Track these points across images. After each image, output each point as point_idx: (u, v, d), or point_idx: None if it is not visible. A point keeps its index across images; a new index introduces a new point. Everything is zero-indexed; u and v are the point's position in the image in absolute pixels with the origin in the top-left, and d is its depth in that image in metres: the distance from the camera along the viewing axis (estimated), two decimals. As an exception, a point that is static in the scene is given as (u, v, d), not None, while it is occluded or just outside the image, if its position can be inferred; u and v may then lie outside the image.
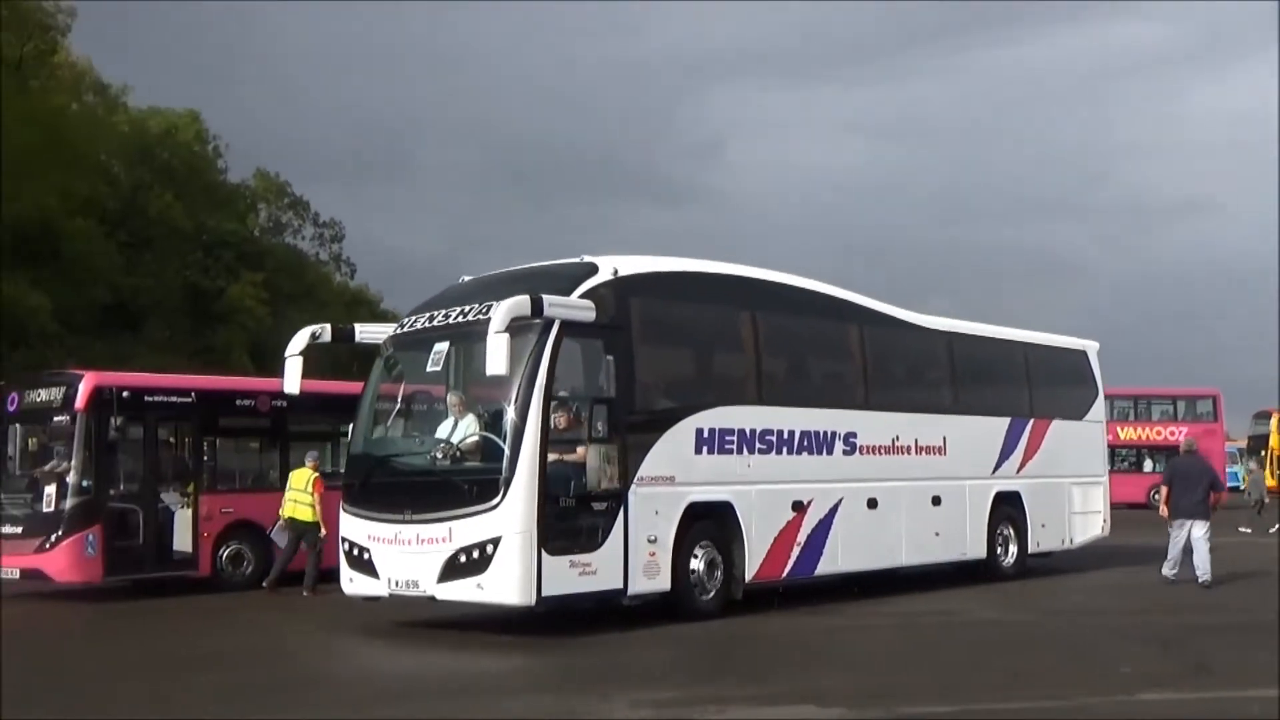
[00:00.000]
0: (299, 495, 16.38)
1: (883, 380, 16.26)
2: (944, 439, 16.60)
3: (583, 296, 12.37)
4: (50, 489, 15.84)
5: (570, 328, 12.16)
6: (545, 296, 11.89)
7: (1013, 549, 17.89)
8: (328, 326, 13.84)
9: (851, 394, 15.68)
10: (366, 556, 12.55)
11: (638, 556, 12.48)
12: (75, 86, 46.82)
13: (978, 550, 17.17)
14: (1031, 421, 18.26)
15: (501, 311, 11.50)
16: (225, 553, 16.99)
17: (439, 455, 12.26)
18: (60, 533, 15.60)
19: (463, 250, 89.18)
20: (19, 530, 16.05)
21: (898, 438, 15.87)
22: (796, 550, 14.33)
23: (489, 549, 11.57)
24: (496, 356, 11.28)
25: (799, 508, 14.36)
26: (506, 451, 11.68)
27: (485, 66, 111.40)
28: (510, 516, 11.55)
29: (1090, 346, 20.21)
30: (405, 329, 13.35)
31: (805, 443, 14.55)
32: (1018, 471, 17.92)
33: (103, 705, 9.31)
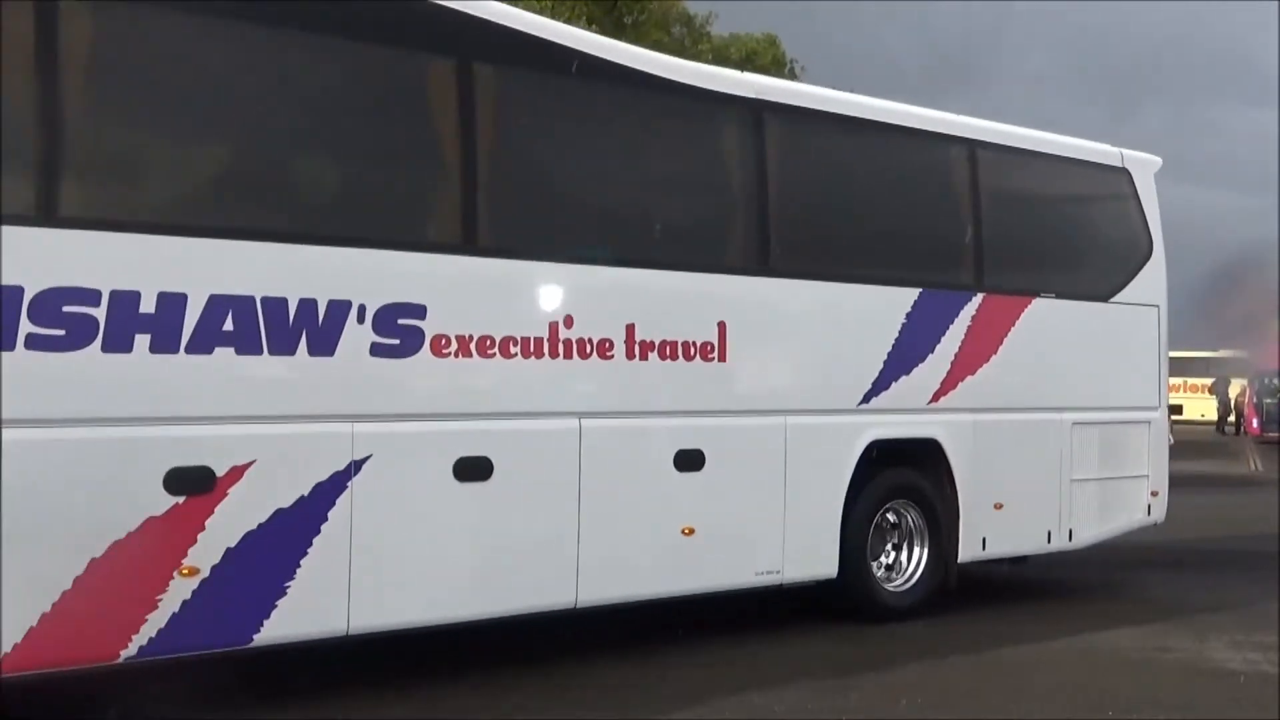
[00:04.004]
0: None
1: (527, 181, 7.22)
2: (720, 328, 7.62)
3: None
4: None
5: None
6: None
7: (917, 556, 8.82)
8: None
9: (407, 210, 6.77)
10: None
11: None
12: (664, 20, 49.00)
13: (819, 563, 8.15)
14: (977, 299, 9.00)
15: None
16: None
17: None
18: None
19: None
20: None
21: (571, 320, 6.98)
22: (175, 590, 5.69)
23: None
24: None
25: (193, 485, 5.71)
26: None
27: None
28: None
29: (1143, 162, 10.54)
30: None
31: (212, 322, 5.80)
32: (933, 399, 8.76)
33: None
